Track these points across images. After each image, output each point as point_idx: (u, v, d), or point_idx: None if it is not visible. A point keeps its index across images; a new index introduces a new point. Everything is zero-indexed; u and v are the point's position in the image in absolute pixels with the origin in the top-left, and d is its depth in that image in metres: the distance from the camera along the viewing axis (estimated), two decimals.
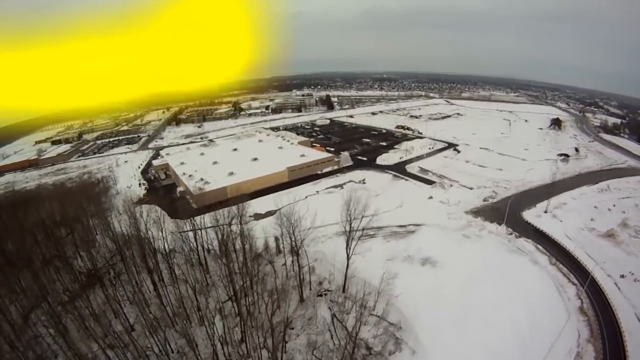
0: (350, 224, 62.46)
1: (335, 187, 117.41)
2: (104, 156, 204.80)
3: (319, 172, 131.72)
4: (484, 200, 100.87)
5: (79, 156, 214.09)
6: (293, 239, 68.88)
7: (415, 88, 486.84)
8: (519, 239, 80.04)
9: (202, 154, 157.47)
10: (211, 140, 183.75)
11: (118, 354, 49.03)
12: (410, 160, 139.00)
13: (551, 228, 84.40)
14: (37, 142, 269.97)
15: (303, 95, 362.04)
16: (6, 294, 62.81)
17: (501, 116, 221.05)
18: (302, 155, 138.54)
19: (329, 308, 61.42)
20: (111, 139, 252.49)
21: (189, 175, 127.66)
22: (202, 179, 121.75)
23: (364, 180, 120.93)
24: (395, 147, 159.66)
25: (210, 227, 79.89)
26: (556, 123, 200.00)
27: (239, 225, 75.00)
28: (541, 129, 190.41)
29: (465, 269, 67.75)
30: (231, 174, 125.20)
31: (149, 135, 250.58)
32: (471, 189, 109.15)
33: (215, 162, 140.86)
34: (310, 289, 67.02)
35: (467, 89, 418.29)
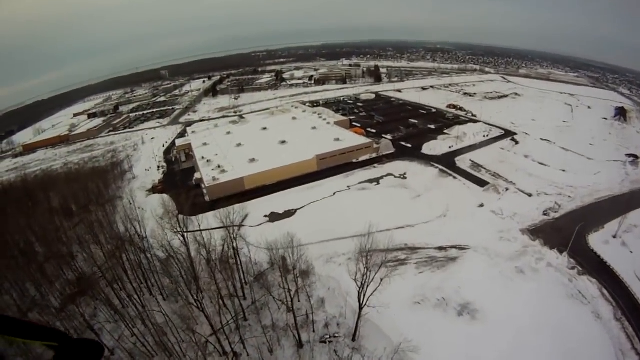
0: (365, 274, 45.42)
1: (370, 181, 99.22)
2: (133, 131, 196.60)
3: (354, 161, 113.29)
4: (544, 213, 79.91)
5: (109, 131, 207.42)
6: (296, 269, 54.95)
7: (469, 61, 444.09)
8: (582, 277, 60.31)
9: (228, 132, 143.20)
10: (241, 117, 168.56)
11: None
12: (462, 151, 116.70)
13: (619, 262, 63.76)
14: (75, 115, 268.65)
15: (350, 65, 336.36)
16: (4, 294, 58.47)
17: (562, 100, 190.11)
18: (337, 140, 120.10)
19: None
20: (145, 112, 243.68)
21: (207, 161, 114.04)
22: (219, 166, 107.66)
23: (404, 174, 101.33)
24: (446, 131, 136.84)
25: (197, 231, 66.79)
26: (621, 113, 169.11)
27: (236, 236, 63.45)
28: (605, 119, 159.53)
29: (511, 324, 49.57)
30: (252, 160, 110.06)
31: (185, 108, 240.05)
32: (530, 195, 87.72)
33: (239, 145, 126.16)
34: (314, 331, 52.48)
35: (524, 65, 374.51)
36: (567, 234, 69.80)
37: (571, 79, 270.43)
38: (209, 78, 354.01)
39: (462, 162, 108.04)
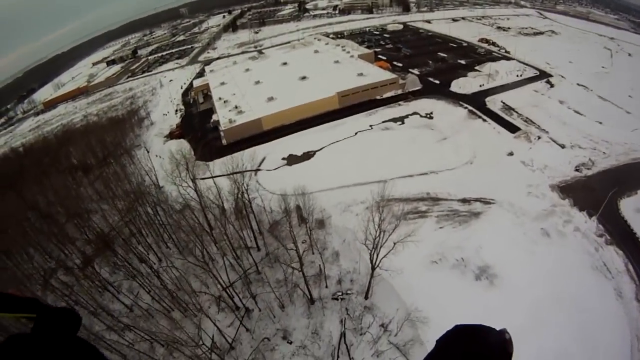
0: (377, 236, 42.24)
1: (394, 120, 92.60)
2: (152, 75, 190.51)
3: (378, 98, 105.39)
4: (576, 169, 71.46)
5: (128, 77, 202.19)
6: (309, 223, 51.84)
7: None
8: (609, 247, 53.45)
9: (247, 69, 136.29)
10: (261, 52, 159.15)
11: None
12: (493, 91, 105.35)
13: None
14: (94, 64, 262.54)
15: None
16: (29, 258, 60.09)
17: (601, 42, 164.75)
18: (360, 75, 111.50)
19: (341, 321, 45.05)
20: (163, 53, 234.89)
21: (224, 101, 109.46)
22: (236, 107, 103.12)
23: (431, 114, 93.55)
24: (477, 68, 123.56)
25: (210, 178, 68.64)
26: None
27: (247, 187, 60.55)
28: None
29: (529, 295, 44.57)
30: (271, 99, 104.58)
31: (205, 45, 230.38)
32: (563, 147, 78.51)
33: (257, 82, 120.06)
34: (327, 287, 50.42)
35: (561, 1, 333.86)
36: (598, 196, 62.81)
37: (611, 20, 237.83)
38: (229, 12, 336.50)
39: (493, 103, 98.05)
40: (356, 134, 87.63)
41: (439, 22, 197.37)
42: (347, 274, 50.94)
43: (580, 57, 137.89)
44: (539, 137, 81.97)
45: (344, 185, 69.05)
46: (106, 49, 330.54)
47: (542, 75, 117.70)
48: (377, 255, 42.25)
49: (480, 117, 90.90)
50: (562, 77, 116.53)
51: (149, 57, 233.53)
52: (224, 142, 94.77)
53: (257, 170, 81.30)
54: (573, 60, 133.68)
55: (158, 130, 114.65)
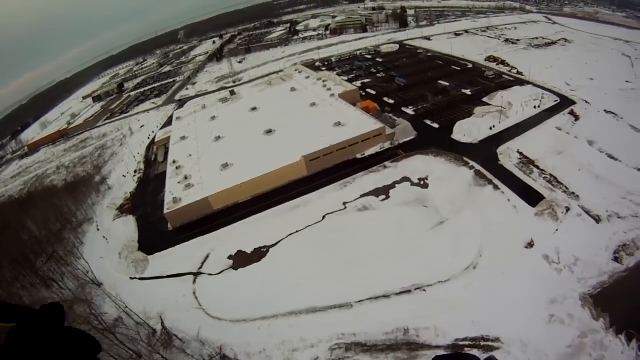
0: None
1: (376, 193, 72.00)
2: (128, 117, 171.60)
3: (358, 156, 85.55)
4: (615, 257, 50.23)
5: (106, 119, 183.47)
6: None
7: None
8: None
9: (212, 117, 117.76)
10: (232, 92, 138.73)
11: None
12: (507, 134, 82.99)
13: None
14: (83, 98, 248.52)
15: (373, 9, 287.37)
16: None
17: (618, 48, 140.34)
18: (338, 124, 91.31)
19: None
20: (146, 89, 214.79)
21: (177, 167, 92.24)
22: (186, 177, 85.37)
23: (426, 179, 72.65)
24: (485, 100, 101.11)
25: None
26: None
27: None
28: None
29: None
30: (225, 166, 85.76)
31: (186, 79, 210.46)
32: (598, 220, 56.61)
33: (217, 138, 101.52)
34: None
35: (567, 2, 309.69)
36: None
37: (620, 20, 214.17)
38: (221, 37, 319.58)
39: (507, 155, 75.78)
40: (324, 218, 67.76)
41: (440, 38, 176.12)
42: None
43: (600, 71, 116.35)
44: (568, 209, 60.13)
45: (294, 311, 50.70)
46: (102, 78, 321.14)
47: (564, 102, 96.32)
48: None
49: (490, 182, 68.77)
50: (587, 102, 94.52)
51: (132, 93, 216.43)
52: (169, 226, 77.30)
53: (198, 274, 63.74)
54: (594, 76, 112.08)
55: (112, 199, 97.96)
